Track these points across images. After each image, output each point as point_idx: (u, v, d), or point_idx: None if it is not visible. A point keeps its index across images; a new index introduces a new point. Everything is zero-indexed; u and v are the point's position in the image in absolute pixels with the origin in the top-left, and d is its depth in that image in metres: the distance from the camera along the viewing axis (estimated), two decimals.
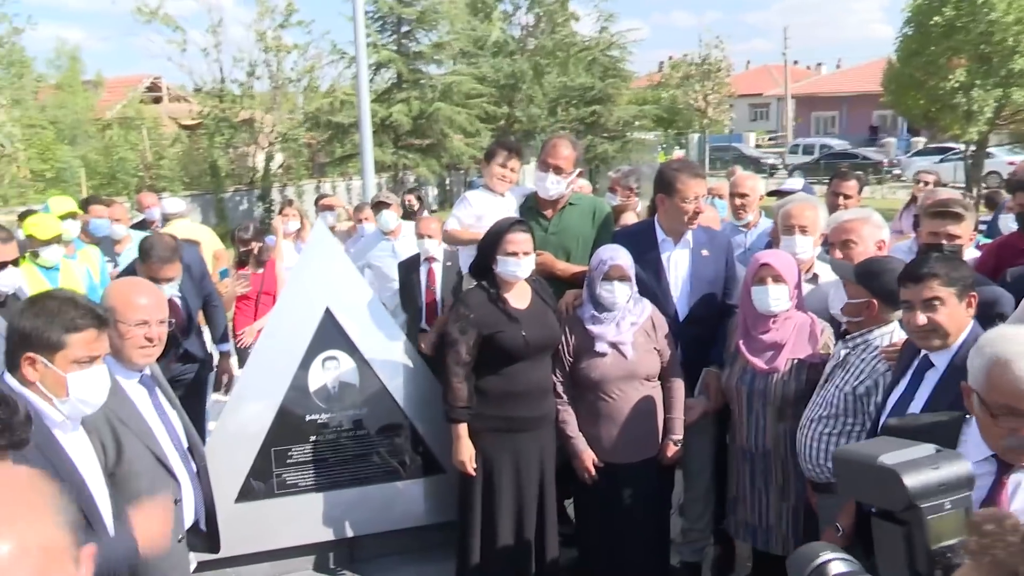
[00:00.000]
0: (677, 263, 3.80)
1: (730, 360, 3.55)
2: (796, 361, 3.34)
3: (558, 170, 3.85)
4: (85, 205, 6.14)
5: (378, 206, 5.95)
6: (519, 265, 3.42)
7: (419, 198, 7.20)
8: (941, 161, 23.60)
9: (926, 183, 7.04)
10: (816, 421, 3.04)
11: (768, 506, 3.43)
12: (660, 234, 3.80)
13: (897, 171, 28.88)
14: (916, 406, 2.49)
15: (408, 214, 7.02)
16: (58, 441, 2.17)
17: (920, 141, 32.18)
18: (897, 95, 19.93)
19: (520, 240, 3.41)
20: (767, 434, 3.39)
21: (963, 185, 18.80)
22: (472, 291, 3.54)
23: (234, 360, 5.18)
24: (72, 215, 5.38)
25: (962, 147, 21.18)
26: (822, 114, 47.76)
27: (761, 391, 3.37)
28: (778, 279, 3.32)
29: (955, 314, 2.47)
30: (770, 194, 5.35)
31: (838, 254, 3.46)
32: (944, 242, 3.36)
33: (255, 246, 5.79)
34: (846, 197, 5.04)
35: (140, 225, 7.93)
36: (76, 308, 2.17)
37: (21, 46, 17.55)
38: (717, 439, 3.79)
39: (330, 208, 6.90)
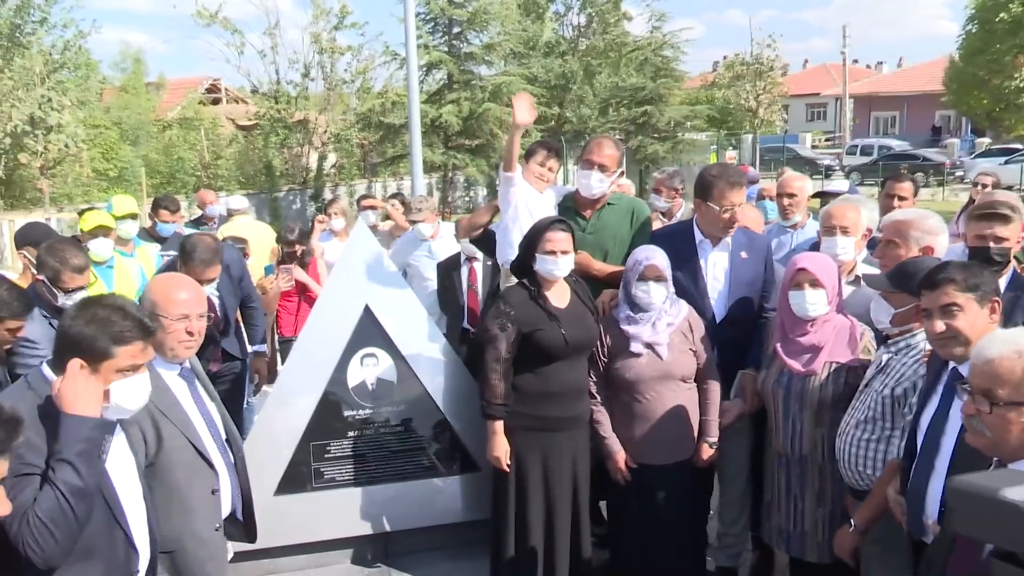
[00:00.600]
0: (715, 265, 3.76)
1: (767, 362, 3.50)
2: (834, 365, 3.27)
3: (603, 168, 3.83)
4: (155, 207, 6.38)
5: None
6: (557, 264, 3.42)
7: (403, 202, 7.07)
8: (1006, 163, 22.82)
9: (984, 185, 6.84)
10: (855, 426, 2.98)
11: (804, 512, 3.37)
12: (698, 235, 3.77)
13: (960, 173, 28.01)
14: (953, 427, 2.41)
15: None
16: None
17: (984, 142, 31.16)
18: (959, 94, 19.43)
19: (559, 239, 3.41)
20: (804, 438, 3.33)
21: None
22: (513, 288, 3.56)
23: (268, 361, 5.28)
24: (133, 216, 5.53)
25: None
26: (882, 114, 46.61)
27: (798, 394, 3.32)
28: (815, 284, 3.25)
29: (975, 321, 2.40)
30: (815, 195, 5.24)
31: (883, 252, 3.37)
32: (991, 244, 3.26)
33: (299, 248, 5.89)
34: (900, 199, 4.91)
35: (198, 221, 8.22)
36: (125, 319, 2.21)
37: (87, 49, 18.14)
38: (754, 443, 3.74)
39: (372, 208, 6.99)
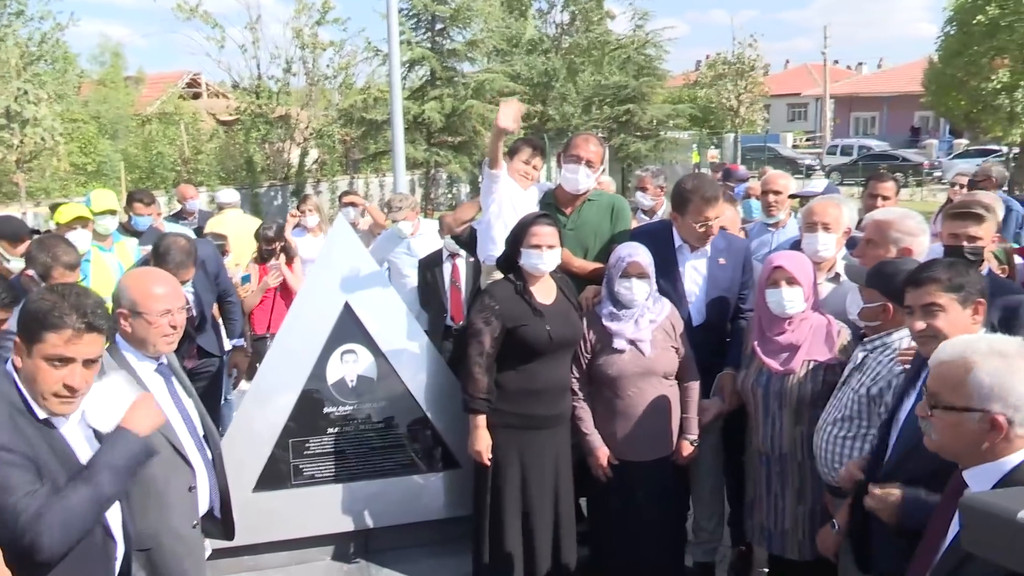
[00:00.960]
0: (694, 270, 3.78)
1: (746, 362, 3.52)
2: (813, 363, 3.30)
3: (589, 163, 3.83)
4: (129, 200, 6.31)
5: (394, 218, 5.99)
6: (542, 258, 3.41)
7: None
8: (983, 163, 23.11)
9: (961, 186, 6.93)
10: (832, 424, 3.00)
11: (784, 510, 3.39)
12: (677, 239, 3.77)
13: (938, 173, 28.31)
14: None
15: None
16: (57, 429, 2.18)
17: (962, 143, 31.54)
18: (938, 96, 19.59)
19: (544, 233, 3.41)
20: (783, 436, 3.35)
21: (1005, 189, 18.37)
22: (498, 283, 3.54)
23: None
24: (112, 212, 5.46)
25: (1004, 149, 20.71)
26: (862, 114, 47.00)
27: (777, 393, 3.34)
28: (792, 281, 3.28)
29: (956, 321, 2.41)
30: (791, 196, 5.27)
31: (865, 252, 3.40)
32: (964, 244, 3.29)
33: (277, 245, 5.84)
34: (884, 199, 4.93)
35: (178, 215, 8.16)
36: (64, 304, 2.10)
37: (65, 42, 17.87)
38: (725, 439, 3.79)
39: (352, 204, 6.95)
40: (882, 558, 2.55)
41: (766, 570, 4.00)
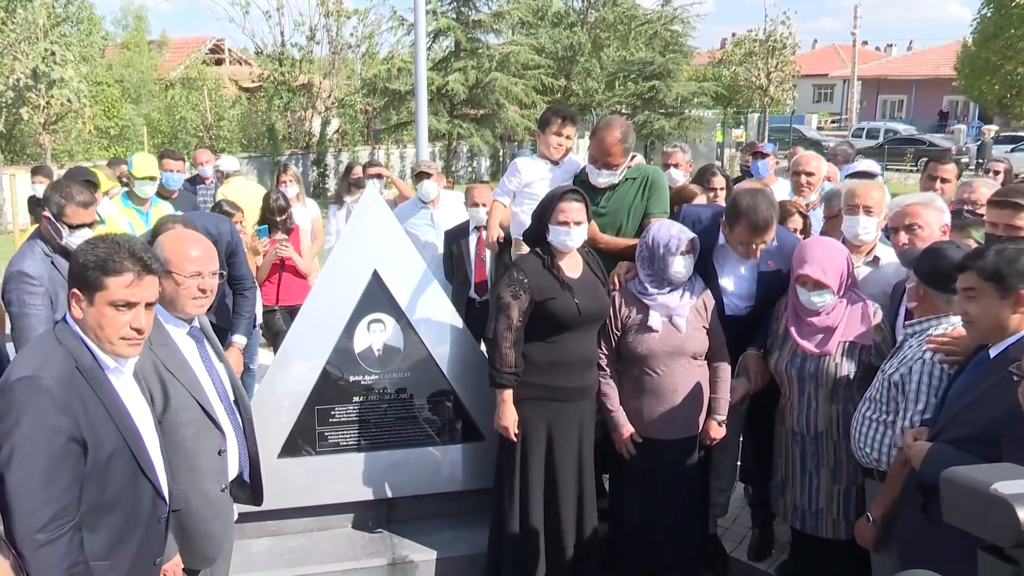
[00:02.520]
0: (740, 273, 3.69)
1: (779, 343, 3.48)
2: (848, 343, 3.27)
3: (608, 165, 3.76)
4: (160, 158, 6.37)
5: (419, 176, 5.93)
6: (569, 234, 3.37)
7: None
8: (1013, 150, 22.71)
9: (996, 172, 6.77)
10: (864, 403, 3.01)
11: (819, 488, 3.39)
12: (721, 239, 3.66)
13: (965, 160, 27.87)
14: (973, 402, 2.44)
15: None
16: (112, 384, 2.23)
17: (992, 129, 30.98)
18: (971, 79, 19.24)
19: (572, 209, 3.36)
20: (819, 416, 3.35)
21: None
22: (527, 257, 3.51)
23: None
24: (152, 178, 5.46)
25: None
26: (889, 97, 46.30)
27: (812, 374, 3.32)
28: (819, 285, 3.25)
29: (990, 308, 2.42)
30: (851, 176, 5.17)
31: (902, 238, 3.36)
32: (1002, 234, 3.22)
33: (285, 214, 5.75)
34: (943, 181, 4.73)
35: (194, 180, 8.15)
36: (120, 251, 2.18)
37: (90, 3, 17.88)
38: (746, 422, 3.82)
39: (379, 176, 6.90)
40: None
41: (787, 552, 3.99)
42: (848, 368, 3.26)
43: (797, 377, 3.37)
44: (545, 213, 3.40)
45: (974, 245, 3.00)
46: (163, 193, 6.06)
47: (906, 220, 3.37)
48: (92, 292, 2.16)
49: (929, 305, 2.86)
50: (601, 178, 3.79)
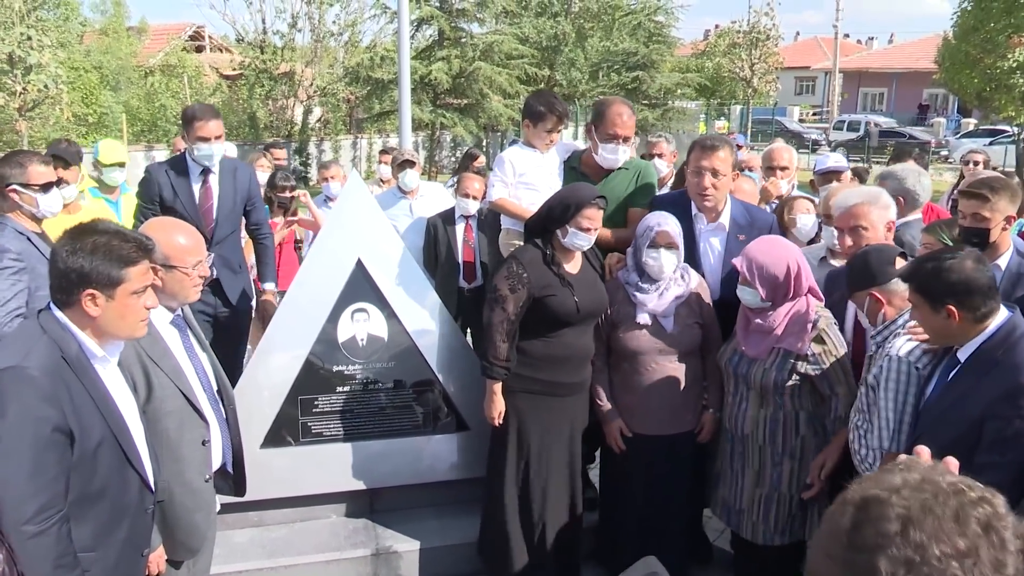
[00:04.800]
0: (710, 244, 3.71)
1: (730, 339, 3.46)
2: (782, 351, 3.22)
3: (626, 140, 3.73)
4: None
5: (402, 165, 5.89)
6: (589, 240, 3.36)
7: (386, 150, 6.95)
8: (991, 143, 22.95)
9: (975, 163, 6.83)
10: (854, 415, 2.97)
11: (742, 489, 3.36)
12: (694, 208, 3.69)
13: (944, 152, 28.11)
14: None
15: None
16: (97, 374, 2.21)
17: (971, 122, 31.28)
18: (951, 72, 19.35)
19: (597, 216, 3.32)
20: (747, 418, 3.31)
21: (1013, 169, 18.26)
22: (527, 249, 3.43)
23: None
24: (121, 164, 5.40)
25: (1014, 130, 20.54)
26: (870, 90, 46.60)
27: (744, 375, 3.30)
28: (745, 282, 3.23)
29: (929, 320, 2.48)
30: (817, 175, 5.15)
31: (847, 240, 3.31)
32: (970, 225, 3.25)
33: (289, 195, 5.74)
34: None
35: None
36: (125, 240, 2.20)
37: None
38: None
39: (332, 178, 6.82)
40: None
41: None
42: (775, 375, 3.20)
43: (734, 375, 3.34)
44: (566, 215, 3.31)
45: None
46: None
47: (851, 222, 3.29)
48: (114, 287, 2.15)
49: (893, 309, 2.87)
50: (620, 156, 3.75)
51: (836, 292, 3.35)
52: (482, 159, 7.09)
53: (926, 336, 2.66)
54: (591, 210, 3.30)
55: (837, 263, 3.60)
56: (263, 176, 6.29)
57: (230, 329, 4.44)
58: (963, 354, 2.46)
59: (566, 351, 3.41)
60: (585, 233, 3.32)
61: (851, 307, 3.32)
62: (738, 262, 3.23)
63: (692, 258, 3.65)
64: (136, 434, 2.31)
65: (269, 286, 4.70)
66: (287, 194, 5.67)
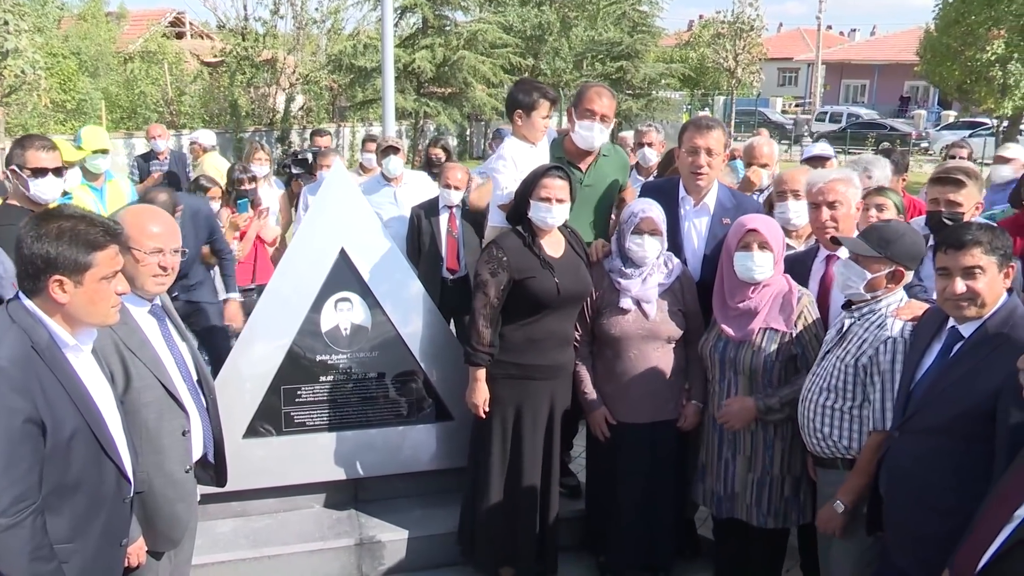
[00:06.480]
0: (694, 227, 3.70)
1: (709, 327, 3.45)
2: (769, 331, 3.22)
3: (604, 119, 3.71)
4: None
5: (386, 151, 5.84)
6: (551, 211, 3.31)
7: (445, 148, 7.05)
8: (971, 135, 23.13)
9: (961, 157, 6.85)
10: (818, 393, 2.94)
11: (734, 475, 3.35)
12: (682, 191, 3.70)
13: (925, 144, 28.33)
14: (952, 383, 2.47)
15: (432, 164, 6.85)
16: (69, 363, 2.17)
17: (951, 114, 31.53)
18: (932, 65, 19.50)
19: (556, 186, 3.30)
20: None
21: (992, 161, 18.45)
22: (507, 235, 3.44)
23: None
24: (104, 151, 5.34)
25: (993, 122, 20.73)
26: (852, 82, 46.80)
27: (732, 360, 3.29)
28: (764, 246, 3.19)
29: (994, 284, 2.44)
30: (805, 161, 5.18)
31: (824, 214, 3.30)
32: (943, 209, 3.29)
33: (249, 187, 5.65)
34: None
35: (147, 156, 7.99)
36: (91, 225, 2.15)
37: None
38: None
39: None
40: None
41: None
42: (767, 356, 3.21)
43: (719, 362, 3.33)
44: (528, 189, 3.34)
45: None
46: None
47: (829, 196, 3.29)
48: (81, 273, 2.11)
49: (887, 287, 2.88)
50: (597, 136, 3.73)
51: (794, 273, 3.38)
52: (441, 153, 7.03)
53: (914, 316, 2.76)
54: (548, 179, 3.30)
55: (791, 242, 3.62)
56: (262, 170, 6.29)
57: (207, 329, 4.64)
58: (967, 330, 2.48)
59: (545, 334, 3.40)
60: (546, 203, 3.30)
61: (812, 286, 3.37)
62: (755, 225, 3.20)
63: (675, 240, 3.64)
64: (112, 424, 2.27)
65: (233, 295, 5.00)
66: (245, 186, 5.57)
